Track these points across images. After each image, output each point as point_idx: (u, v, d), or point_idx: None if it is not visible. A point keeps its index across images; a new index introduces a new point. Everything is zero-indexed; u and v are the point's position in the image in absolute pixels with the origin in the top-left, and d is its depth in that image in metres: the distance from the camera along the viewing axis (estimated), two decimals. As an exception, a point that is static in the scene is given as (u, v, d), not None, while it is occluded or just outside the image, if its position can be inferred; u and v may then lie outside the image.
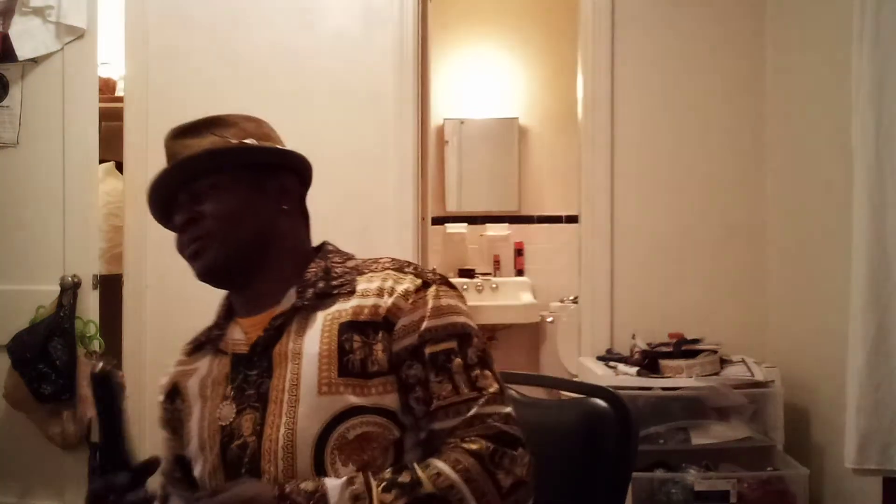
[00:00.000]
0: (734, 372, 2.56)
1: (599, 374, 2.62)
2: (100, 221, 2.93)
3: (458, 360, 1.07)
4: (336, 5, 2.96)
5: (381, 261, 1.17)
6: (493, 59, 4.49)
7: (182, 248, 1.15)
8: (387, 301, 1.08)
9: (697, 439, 2.50)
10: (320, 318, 1.10)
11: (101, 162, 2.92)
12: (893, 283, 1.91)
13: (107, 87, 3.14)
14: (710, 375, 2.53)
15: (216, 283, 1.18)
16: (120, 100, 3.01)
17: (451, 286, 1.15)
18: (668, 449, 2.51)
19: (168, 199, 1.18)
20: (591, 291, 2.95)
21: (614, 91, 2.93)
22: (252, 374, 1.11)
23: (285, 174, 1.20)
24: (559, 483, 1.28)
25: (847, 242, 2.04)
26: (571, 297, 4.08)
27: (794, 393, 2.60)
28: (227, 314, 1.22)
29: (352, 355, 1.06)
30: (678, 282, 2.92)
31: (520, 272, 4.47)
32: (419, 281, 1.11)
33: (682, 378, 2.52)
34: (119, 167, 3.06)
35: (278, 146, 1.23)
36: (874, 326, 1.93)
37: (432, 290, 1.11)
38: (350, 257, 1.21)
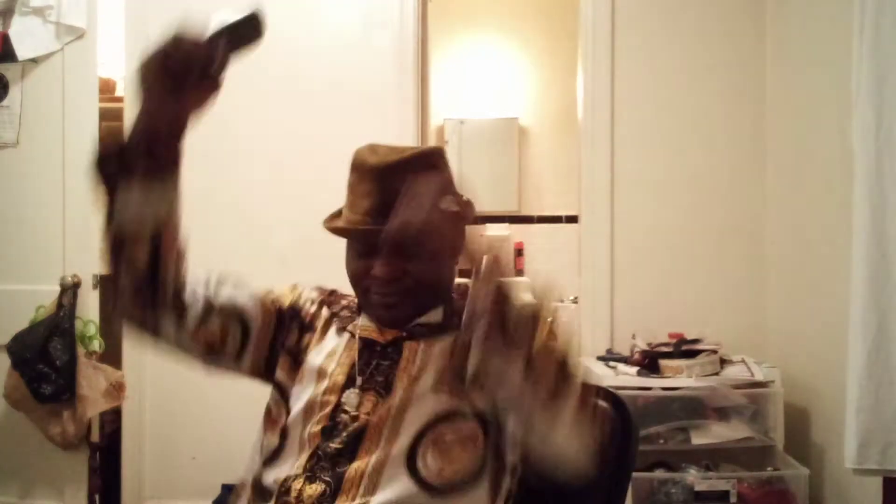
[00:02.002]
0: (734, 372, 2.56)
1: (599, 374, 2.62)
2: (100, 221, 2.92)
3: None
4: (336, 5, 2.96)
5: None
6: (493, 59, 4.49)
7: (366, 283, 1.20)
8: None
9: (697, 439, 2.50)
10: (450, 336, 1.20)
11: (101, 162, 2.92)
12: (893, 283, 1.91)
13: (107, 87, 3.14)
14: (710, 375, 2.53)
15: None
16: (120, 100, 3.01)
17: None
18: (668, 449, 2.51)
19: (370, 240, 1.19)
20: (591, 291, 2.95)
21: (614, 91, 2.93)
22: (383, 360, 1.21)
23: (462, 228, 1.18)
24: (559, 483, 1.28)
25: (847, 242, 2.04)
26: (571, 297, 4.08)
27: (794, 393, 2.60)
28: (359, 309, 1.29)
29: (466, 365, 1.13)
30: (678, 282, 2.92)
31: (520, 272, 4.47)
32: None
33: (682, 378, 2.52)
34: (119, 167, 3.05)
35: (466, 199, 1.23)
36: (874, 326, 1.93)
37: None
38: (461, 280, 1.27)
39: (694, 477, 2.43)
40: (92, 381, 2.70)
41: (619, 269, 2.93)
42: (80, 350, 2.72)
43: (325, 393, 1.21)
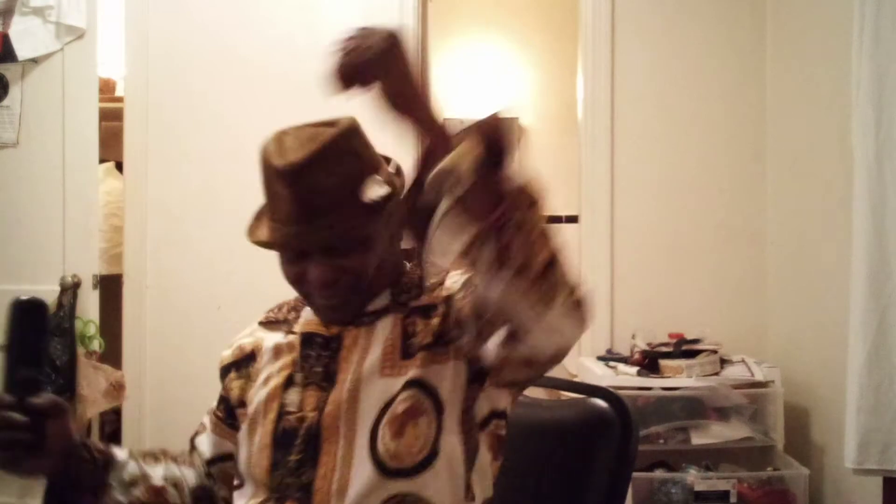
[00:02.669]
0: (734, 372, 2.56)
1: (599, 374, 2.62)
2: (100, 221, 2.92)
3: None
4: (336, 5, 2.96)
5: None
6: (493, 59, 4.49)
7: (304, 288, 1.12)
8: (448, 283, 1.13)
9: (697, 439, 2.50)
10: (394, 313, 1.14)
11: (101, 162, 2.92)
12: (893, 283, 1.92)
13: (107, 87, 3.14)
14: (710, 375, 2.53)
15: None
16: (120, 100, 3.00)
17: None
18: (668, 449, 2.51)
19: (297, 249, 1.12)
20: (591, 291, 2.95)
21: (614, 91, 2.93)
22: (323, 352, 1.14)
23: (398, 205, 1.11)
24: (559, 483, 1.28)
25: (847, 242, 2.04)
26: (571, 297, 4.08)
27: (794, 393, 2.60)
28: (303, 304, 1.22)
29: (413, 338, 1.10)
30: (678, 282, 2.92)
31: (520, 272, 4.47)
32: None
33: (682, 378, 2.52)
34: (119, 167, 3.05)
35: (394, 170, 1.17)
36: (874, 326, 1.93)
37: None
38: (439, 269, 1.19)
39: (694, 477, 2.43)
40: (92, 381, 2.70)
41: (619, 269, 2.93)
42: (80, 350, 2.71)
43: (266, 401, 1.14)
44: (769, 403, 2.53)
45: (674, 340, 2.69)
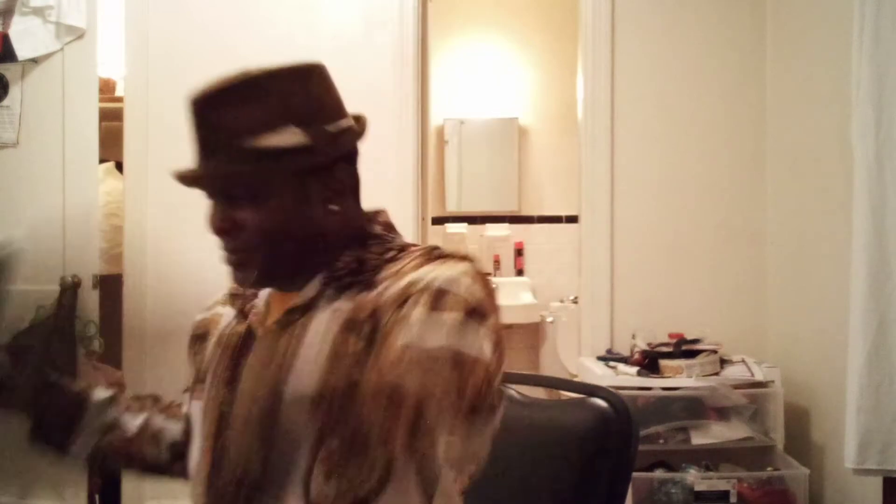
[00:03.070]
0: (734, 372, 2.56)
1: (599, 374, 2.62)
2: (100, 221, 2.92)
3: (433, 410, 0.87)
4: (336, 5, 2.96)
5: (418, 253, 1.02)
6: (493, 59, 4.49)
7: (214, 232, 1.02)
8: (380, 304, 0.94)
9: (697, 439, 2.50)
10: (330, 310, 0.98)
11: (101, 162, 2.92)
12: (893, 283, 1.92)
13: (107, 87, 3.14)
14: (710, 375, 2.53)
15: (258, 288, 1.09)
16: (120, 100, 3.00)
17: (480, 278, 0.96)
18: (668, 449, 2.51)
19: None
20: (591, 291, 2.95)
21: (614, 91, 2.93)
22: (255, 360, 1.01)
23: (338, 167, 1.02)
24: (559, 483, 1.28)
25: (847, 242, 2.04)
26: (571, 297, 4.08)
27: (794, 393, 2.60)
28: None
29: (344, 360, 0.93)
30: (678, 282, 2.92)
31: (520, 272, 4.47)
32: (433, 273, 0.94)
33: (682, 378, 2.52)
34: (119, 167, 3.05)
35: (337, 129, 1.02)
36: (874, 326, 1.93)
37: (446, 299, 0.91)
38: (392, 245, 1.05)
39: (694, 477, 2.43)
40: (92, 381, 2.69)
41: (619, 269, 2.93)
42: (80, 350, 2.71)
43: (205, 408, 1.04)
44: (769, 403, 2.53)
45: (674, 340, 2.69)
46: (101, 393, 1.16)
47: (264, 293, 1.08)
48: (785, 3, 2.83)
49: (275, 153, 0.96)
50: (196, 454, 1.05)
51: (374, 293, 0.96)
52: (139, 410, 1.17)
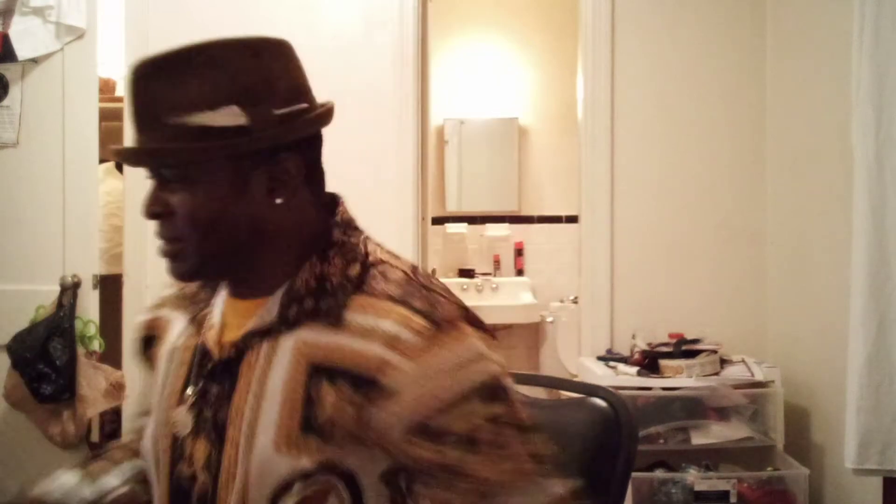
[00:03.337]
0: (734, 372, 2.56)
1: (599, 374, 2.62)
2: (100, 221, 2.92)
3: (509, 431, 0.87)
4: (336, 5, 2.96)
5: (391, 275, 0.90)
6: (493, 59, 4.49)
7: (144, 214, 0.94)
8: (379, 353, 0.84)
9: (697, 439, 2.50)
10: (292, 343, 0.89)
11: (101, 162, 2.92)
12: (893, 283, 1.91)
13: (107, 87, 3.14)
14: (710, 375, 2.53)
15: (197, 282, 1.02)
16: (120, 100, 3.00)
17: (475, 322, 0.89)
18: (668, 449, 2.51)
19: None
20: (591, 291, 2.95)
21: (614, 91, 2.93)
22: (213, 387, 0.92)
23: (285, 156, 0.91)
24: (559, 483, 1.28)
25: (847, 242, 2.04)
26: (571, 297, 4.08)
27: (794, 393, 2.60)
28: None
29: (319, 408, 0.85)
30: (678, 282, 2.92)
31: (520, 272, 4.47)
32: (426, 324, 0.85)
33: (682, 378, 2.52)
34: (119, 167, 3.06)
35: (286, 113, 0.91)
36: (874, 326, 1.93)
37: (446, 339, 0.84)
38: (355, 255, 0.93)
39: (694, 477, 2.43)
40: (92, 380, 2.69)
41: (619, 268, 2.93)
42: (80, 350, 2.71)
43: (159, 425, 0.95)
44: (769, 403, 2.53)
45: (674, 340, 2.69)
46: (65, 481, 1.03)
47: (219, 300, 0.98)
48: (785, 3, 2.83)
49: (207, 132, 0.85)
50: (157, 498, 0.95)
51: (345, 336, 0.86)
52: (115, 465, 1.07)
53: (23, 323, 2.72)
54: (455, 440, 0.84)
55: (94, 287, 2.81)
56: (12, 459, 2.82)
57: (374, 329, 0.85)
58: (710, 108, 2.93)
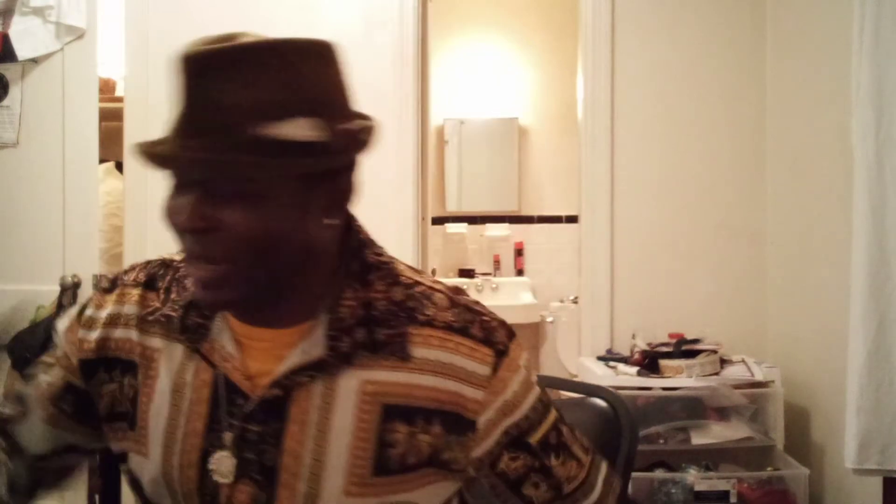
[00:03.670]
0: (734, 372, 2.56)
1: (599, 374, 2.62)
2: (100, 221, 2.92)
3: (566, 431, 0.93)
4: (336, 5, 2.96)
5: (436, 300, 0.88)
6: (493, 59, 4.49)
7: (173, 225, 0.82)
8: (455, 388, 0.84)
9: (697, 439, 2.50)
10: (356, 382, 0.83)
11: (101, 162, 2.92)
12: (893, 283, 1.91)
13: (107, 87, 3.14)
14: (710, 375, 2.53)
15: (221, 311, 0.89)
16: (120, 100, 3.00)
17: (513, 333, 0.91)
18: (668, 449, 2.51)
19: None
20: (591, 291, 2.95)
21: (614, 91, 2.93)
22: (253, 428, 0.84)
23: (344, 174, 0.85)
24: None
25: (847, 242, 2.04)
26: (571, 297, 4.08)
27: (794, 393, 2.60)
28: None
29: (392, 449, 0.83)
30: (678, 282, 2.92)
31: (520, 272, 4.48)
32: (490, 353, 0.85)
33: (682, 378, 2.52)
34: (119, 167, 3.05)
35: (355, 128, 0.83)
36: (874, 326, 1.93)
37: (509, 362, 0.87)
38: (394, 278, 0.88)
39: (694, 477, 2.42)
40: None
41: (619, 269, 2.92)
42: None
43: (182, 468, 0.86)
44: (769, 403, 2.53)
45: (674, 340, 2.69)
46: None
47: (220, 324, 0.87)
48: (785, 3, 2.83)
49: (285, 146, 0.76)
50: None
51: (416, 374, 0.84)
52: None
53: (23, 323, 2.72)
54: (536, 448, 0.89)
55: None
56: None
57: (446, 365, 0.84)
58: (710, 108, 2.93)
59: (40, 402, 0.95)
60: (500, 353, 0.86)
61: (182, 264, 0.93)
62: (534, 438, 0.89)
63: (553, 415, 0.91)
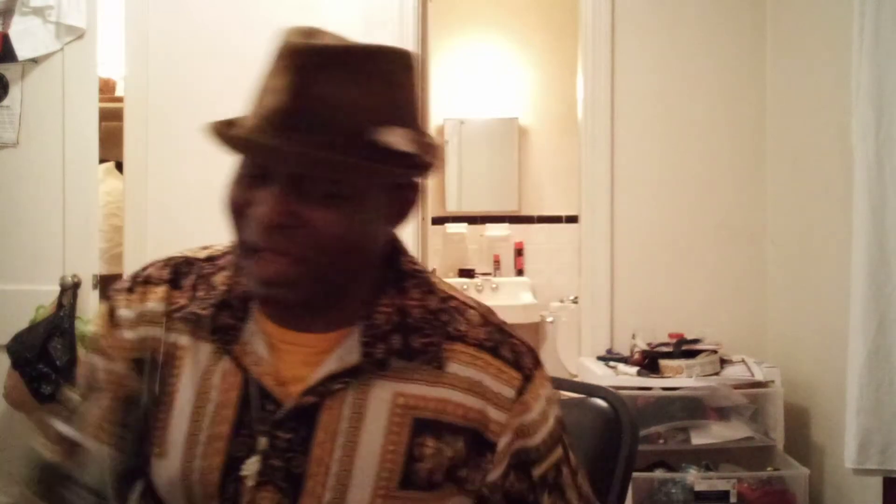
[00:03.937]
0: (734, 372, 2.56)
1: (599, 374, 2.62)
2: (100, 221, 2.92)
3: (566, 472, 0.91)
4: (336, 5, 2.96)
5: (469, 316, 0.88)
6: (493, 59, 4.49)
7: (241, 218, 0.80)
8: (481, 407, 0.84)
9: (697, 439, 2.50)
10: (388, 393, 0.83)
11: (101, 162, 2.92)
12: (893, 283, 1.91)
13: (107, 87, 3.14)
14: (710, 375, 2.53)
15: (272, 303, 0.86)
16: (120, 100, 3.00)
17: (539, 360, 0.91)
18: (668, 449, 2.51)
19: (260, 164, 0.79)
20: (591, 291, 2.95)
21: (614, 91, 2.93)
22: (282, 435, 0.82)
23: (414, 186, 0.86)
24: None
25: (847, 242, 2.04)
26: (571, 297, 4.08)
27: (794, 393, 2.60)
28: (245, 296, 0.86)
29: (420, 463, 0.82)
30: (678, 282, 2.92)
31: (520, 272, 4.48)
32: (518, 377, 0.86)
33: (682, 378, 2.52)
34: (119, 167, 3.05)
35: (436, 144, 0.84)
36: (874, 326, 1.93)
37: (534, 388, 0.87)
38: (429, 287, 0.89)
39: (694, 477, 2.43)
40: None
41: (619, 268, 2.93)
42: (81, 350, 2.71)
43: (203, 472, 0.83)
44: (769, 403, 2.53)
45: (674, 340, 2.69)
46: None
47: (252, 327, 0.85)
48: (785, 3, 2.83)
49: (389, 152, 0.76)
50: None
51: (448, 389, 0.84)
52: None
53: (23, 323, 2.72)
54: (536, 481, 0.88)
55: (94, 287, 2.81)
56: (12, 459, 2.82)
57: (476, 383, 0.85)
58: (710, 107, 2.93)
59: (103, 429, 0.87)
60: (527, 379, 0.87)
61: (207, 262, 0.92)
62: (536, 472, 0.88)
63: (558, 453, 0.90)
